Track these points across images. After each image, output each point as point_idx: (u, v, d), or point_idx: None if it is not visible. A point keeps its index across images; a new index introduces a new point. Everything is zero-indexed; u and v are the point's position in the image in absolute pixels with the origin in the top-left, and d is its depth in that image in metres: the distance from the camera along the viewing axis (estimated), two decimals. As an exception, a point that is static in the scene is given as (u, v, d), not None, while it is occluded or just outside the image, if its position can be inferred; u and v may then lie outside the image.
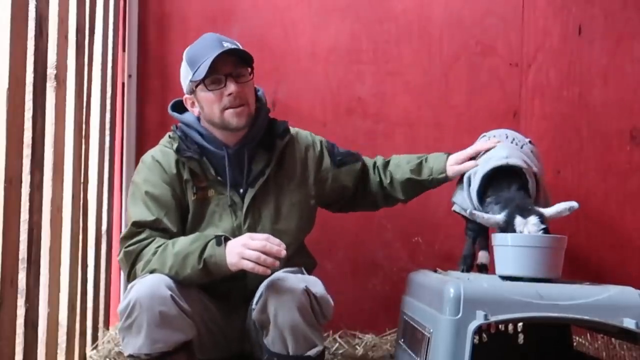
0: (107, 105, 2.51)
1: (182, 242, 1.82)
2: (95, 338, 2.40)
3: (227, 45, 1.92)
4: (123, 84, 2.72)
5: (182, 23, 2.77)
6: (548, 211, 1.95)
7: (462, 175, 2.25)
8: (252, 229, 1.96)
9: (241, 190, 1.99)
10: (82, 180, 2.23)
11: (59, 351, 2.06)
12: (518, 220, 1.93)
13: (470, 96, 2.81)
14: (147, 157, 2.02)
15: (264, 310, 1.79)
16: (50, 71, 1.93)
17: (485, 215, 2.00)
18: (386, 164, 2.25)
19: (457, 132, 2.79)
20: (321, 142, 2.19)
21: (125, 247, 1.88)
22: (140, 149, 2.73)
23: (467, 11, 2.82)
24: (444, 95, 2.82)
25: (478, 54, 2.82)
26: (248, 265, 1.71)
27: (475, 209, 2.15)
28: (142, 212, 1.91)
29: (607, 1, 2.81)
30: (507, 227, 1.95)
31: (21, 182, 1.71)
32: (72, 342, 2.17)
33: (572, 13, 2.82)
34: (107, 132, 2.51)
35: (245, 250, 1.72)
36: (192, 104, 2.01)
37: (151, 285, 1.72)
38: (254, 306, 1.87)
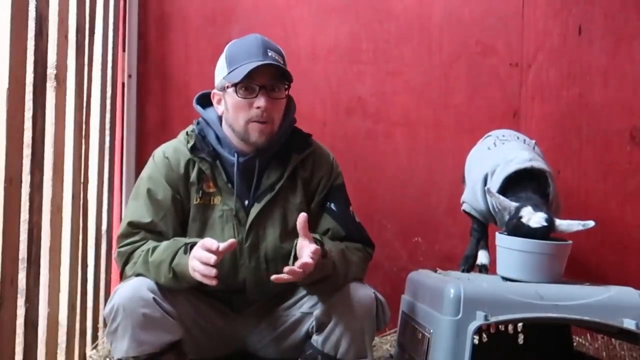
0: (107, 105, 2.51)
1: (159, 250, 1.80)
2: (95, 338, 2.40)
3: (272, 55, 1.84)
4: (123, 84, 2.72)
5: (182, 23, 2.77)
6: (560, 222, 1.95)
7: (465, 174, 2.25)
8: (255, 246, 1.90)
9: (246, 203, 1.91)
10: (82, 180, 2.22)
11: (59, 351, 2.06)
12: (527, 209, 1.93)
13: (470, 96, 2.81)
14: (158, 151, 1.96)
15: (328, 312, 1.79)
16: (50, 71, 1.92)
17: (502, 197, 1.99)
18: None
19: (457, 132, 2.79)
20: (336, 176, 2.02)
21: (119, 247, 1.88)
22: (140, 149, 2.73)
23: (467, 11, 2.82)
24: (444, 95, 2.82)
25: (478, 54, 2.82)
26: (195, 275, 1.68)
27: (489, 207, 2.15)
28: (139, 212, 1.88)
29: (607, 1, 2.81)
30: (515, 213, 1.94)
31: (21, 182, 1.71)
32: (72, 342, 2.17)
33: (572, 13, 2.82)
34: (107, 132, 2.51)
35: (192, 260, 1.69)
36: (219, 101, 1.92)
37: (133, 289, 1.73)
38: (306, 308, 1.87)
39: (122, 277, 1.89)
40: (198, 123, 1.97)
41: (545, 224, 1.91)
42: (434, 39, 2.82)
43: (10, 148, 1.62)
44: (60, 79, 2.00)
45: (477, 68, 2.82)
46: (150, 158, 1.97)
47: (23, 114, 1.72)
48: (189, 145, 1.91)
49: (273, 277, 1.68)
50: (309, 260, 1.67)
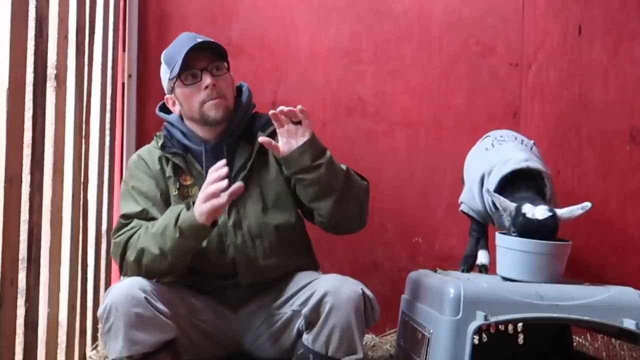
0: (107, 105, 2.51)
1: (159, 221, 1.87)
2: (95, 338, 2.40)
3: (201, 40, 1.95)
4: (123, 84, 2.72)
5: (182, 23, 2.77)
6: (560, 210, 1.95)
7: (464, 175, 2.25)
8: (238, 224, 1.96)
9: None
10: (82, 180, 2.23)
11: (59, 351, 2.06)
12: (527, 206, 1.94)
13: (470, 96, 2.81)
14: (134, 156, 2.08)
15: (316, 309, 1.80)
16: (50, 71, 1.93)
17: (501, 198, 2.00)
18: None
19: (457, 132, 2.79)
20: None
21: (115, 238, 1.92)
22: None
23: (467, 11, 2.82)
24: (444, 95, 2.81)
25: (478, 54, 2.81)
26: (207, 206, 1.75)
27: (487, 208, 2.15)
28: (129, 205, 1.96)
29: (607, 1, 2.81)
30: (517, 213, 1.95)
31: (21, 182, 1.71)
32: (72, 342, 2.17)
33: (572, 13, 2.81)
34: (107, 132, 2.51)
35: (199, 196, 1.77)
36: (173, 103, 2.03)
37: (125, 289, 1.74)
38: (297, 306, 1.88)
39: (122, 268, 1.91)
40: (164, 127, 2.07)
41: (550, 213, 1.92)
42: (434, 39, 2.82)
43: (10, 148, 1.62)
44: (60, 79, 2.00)
45: (477, 68, 2.81)
46: (129, 162, 2.08)
47: (23, 114, 1.72)
48: (159, 143, 2.02)
49: (260, 138, 1.86)
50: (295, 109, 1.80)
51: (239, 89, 2.08)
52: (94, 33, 2.34)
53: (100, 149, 2.43)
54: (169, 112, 2.08)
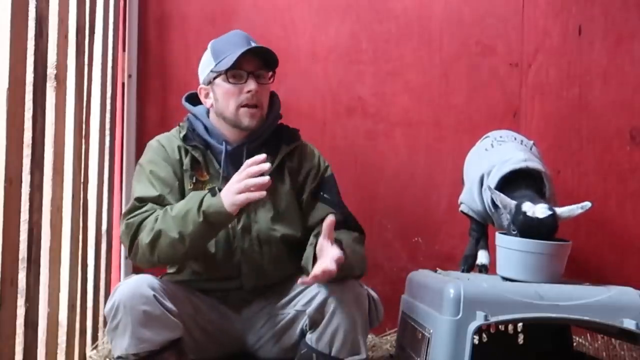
0: (107, 105, 2.51)
1: (179, 205, 1.84)
2: (95, 338, 2.40)
3: (254, 44, 1.96)
4: (123, 84, 2.72)
5: (182, 23, 2.77)
6: (560, 209, 1.95)
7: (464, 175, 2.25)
8: (247, 229, 1.95)
9: None
10: (82, 180, 2.23)
11: (59, 351, 2.06)
12: (527, 204, 1.94)
13: (470, 96, 2.81)
14: (153, 141, 2.06)
15: (320, 309, 1.80)
16: (50, 71, 1.93)
17: (501, 195, 2.01)
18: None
19: (457, 132, 2.79)
20: (325, 168, 2.10)
21: (127, 219, 1.88)
22: (140, 149, 2.71)
23: (467, 11, 2.82)
24: (444, 95, 2.82)
25: (478, 54, 2.81)
26: (242, 197, 1.73)
27: (486, 208, 2.16)
28: (146, 189, 1.93)
29: (607, 1, 2.81)
30: (517, 210, 1.95)
31: (21, 182, 1.71)
32: (72, 342, 2.17)
33: (572, 13, 2.81)
34: (107, 132, 2.51)
35: (233, 186, 1.75)
36: (207, 94, 2.01)
37: (134, 286, 1.73)
38: (300, 305, 1.88)
39: (131, 250, 1.87)
40: (188, 119, 2.06)
41: (550, 212, 1.92)
42: (434, 39, 2.82)
43: (10, 148, 1.62)
44: (60, 79, 2.00)
45: (477, 68, 2.81)
46: (147, 147, 2.07)
47: (23, 114, 1.72)
48: (181, 134, 2.01)
49: (300, 280, 1.76)
50: (333, 268, 1.71)
51: (271, 97, 2.06)
52: (94, 33, 2.34)
53: (100, 149, 2.43)
54: (194, 104, 2.07)
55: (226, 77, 1.94)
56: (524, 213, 1.92)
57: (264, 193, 1.73)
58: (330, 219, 1.79)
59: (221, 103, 1.97)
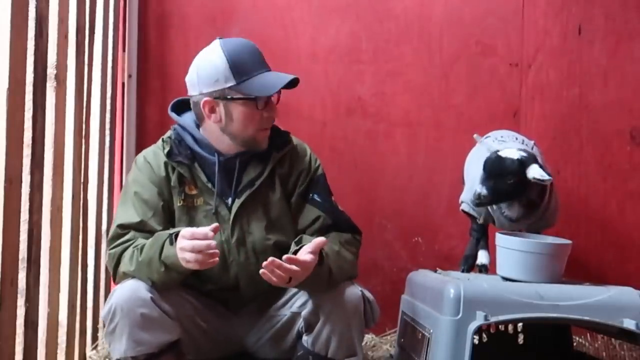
0: (107, 105, 2.51)
1: (145, 248, 1.79)
2: (95, 338, 2.40)
3: (292, 79, 1.91)
4: (123, 84, 2.72)
5: (182, 23, 2.77)
6: (534, 165, 1.99)
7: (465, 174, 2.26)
8: (242, 241, 1.91)
9: (229, 201, 1.92)
10: (82, 180, 2.23)
11: (59, 351, 2.06)
12: (507, 150, 2.04)
13: (470, 96, 2.81)
14: (139, 157, 1.99)
15: (315, 311, 1.80)
16: (50, 71, 1.93)
17: (489, 142, 2.15)
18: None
19: (457, 132, 2.79)
20: (316, 168, 2.04)
21: (110, 249, 1.87)
22: (140, 149, 2.70)
23: (467, 11, 2.82)
24: (444, 95, 2.81)
25: (478, 54, 2.81)
26: (194, 258, 1.66)
27: (488, 207, 2.17)
28: (127, 214, 1.89)
29: (607, 1, 2.81)
30: (494, 152, 2.04)
31: (21, 182, 1.71)
32: (72, 342, 2.17)
33: (572, 13, 2.81)
34: (107, 132, 2.51)
35: (189, 245, 1.67)
36: (212, 109, 1.88)
37: (131, 289, 1.73)
38: (296, 307, 1.88)
39: (115, 278, 1.87)
40: (174, 129, 1.98)
41: (517, 157, 1.99)
42: (434, 39, 2.82)
43: (10, 148, 1.62)
44: (60, 79, 2.00)
45: (477, 68, 2.81)
46: (133, 164, 2.00)
47: (23, 114, 1.72)
48: (165, 151, 1.92)
49: (262, 269, 1.68)
50: (307, 258, 1.69)
51: None
52: (94, 33, 2.34)
53: (100, 149, 2.43)
54: (179, 112, 1.99)
55: (255, 104, 1.86)
56: (496, 151, 2.02)
57: (216, 260, 1.68)
58: (321, 240, 1.75)
59: (237, 125, 1.88)
